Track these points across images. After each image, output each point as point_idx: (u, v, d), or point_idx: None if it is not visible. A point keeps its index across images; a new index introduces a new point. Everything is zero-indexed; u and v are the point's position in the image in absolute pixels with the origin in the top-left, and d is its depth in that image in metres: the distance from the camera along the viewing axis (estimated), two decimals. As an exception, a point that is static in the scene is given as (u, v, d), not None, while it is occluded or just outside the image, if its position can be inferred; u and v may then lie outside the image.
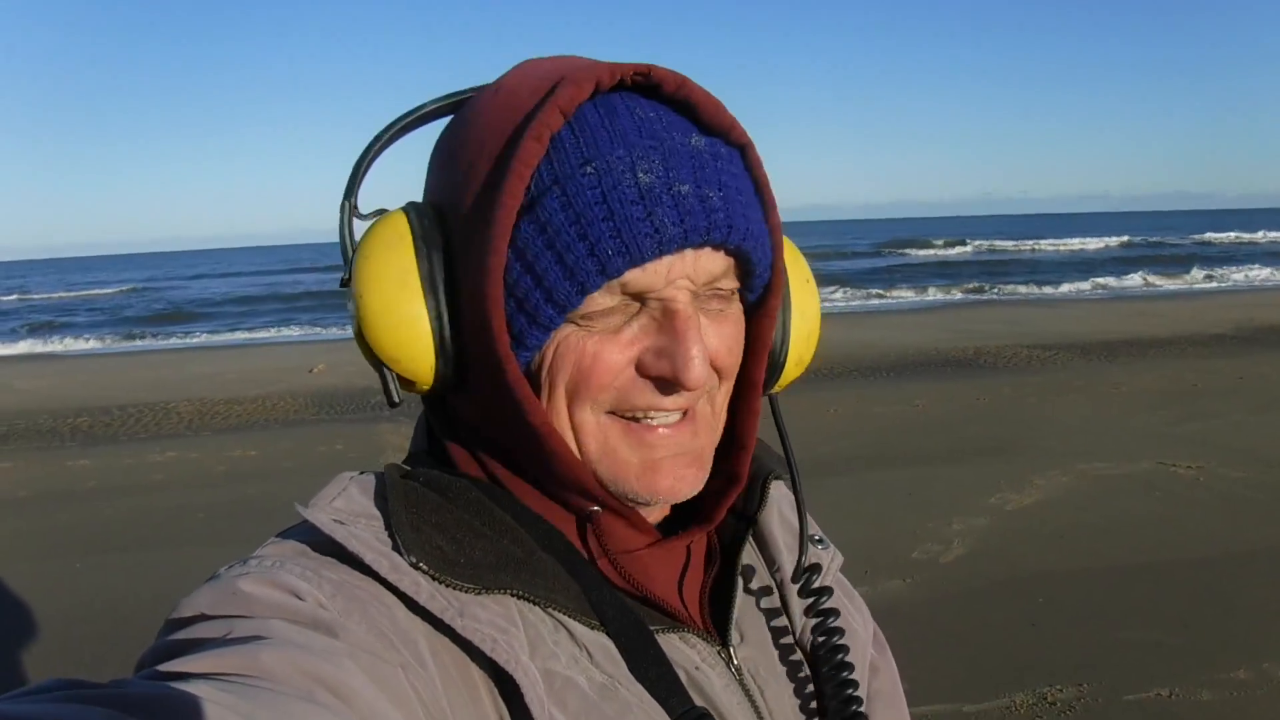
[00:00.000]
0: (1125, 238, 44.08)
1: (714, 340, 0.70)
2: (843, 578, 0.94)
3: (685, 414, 0.71)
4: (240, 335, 19.97)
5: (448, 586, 0.63)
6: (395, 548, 0.64)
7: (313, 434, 8.52)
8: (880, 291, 23.62)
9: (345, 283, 0.72)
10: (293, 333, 19.81)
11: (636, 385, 0.68)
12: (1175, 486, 6.15)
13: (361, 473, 0.73)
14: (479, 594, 0.64)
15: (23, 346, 19.63)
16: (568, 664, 0.65)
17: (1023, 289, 23.43)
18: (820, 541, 0.90)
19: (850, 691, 0.78)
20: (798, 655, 0.81)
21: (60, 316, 26.50)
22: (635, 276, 0.64)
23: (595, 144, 0.65)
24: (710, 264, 0.67)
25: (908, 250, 41.54)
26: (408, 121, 0.76)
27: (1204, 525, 5.43)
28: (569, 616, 0.67)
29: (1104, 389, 9.34)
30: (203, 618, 0.59)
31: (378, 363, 0.71)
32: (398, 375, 0.72)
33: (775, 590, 0.84)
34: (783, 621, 0.82)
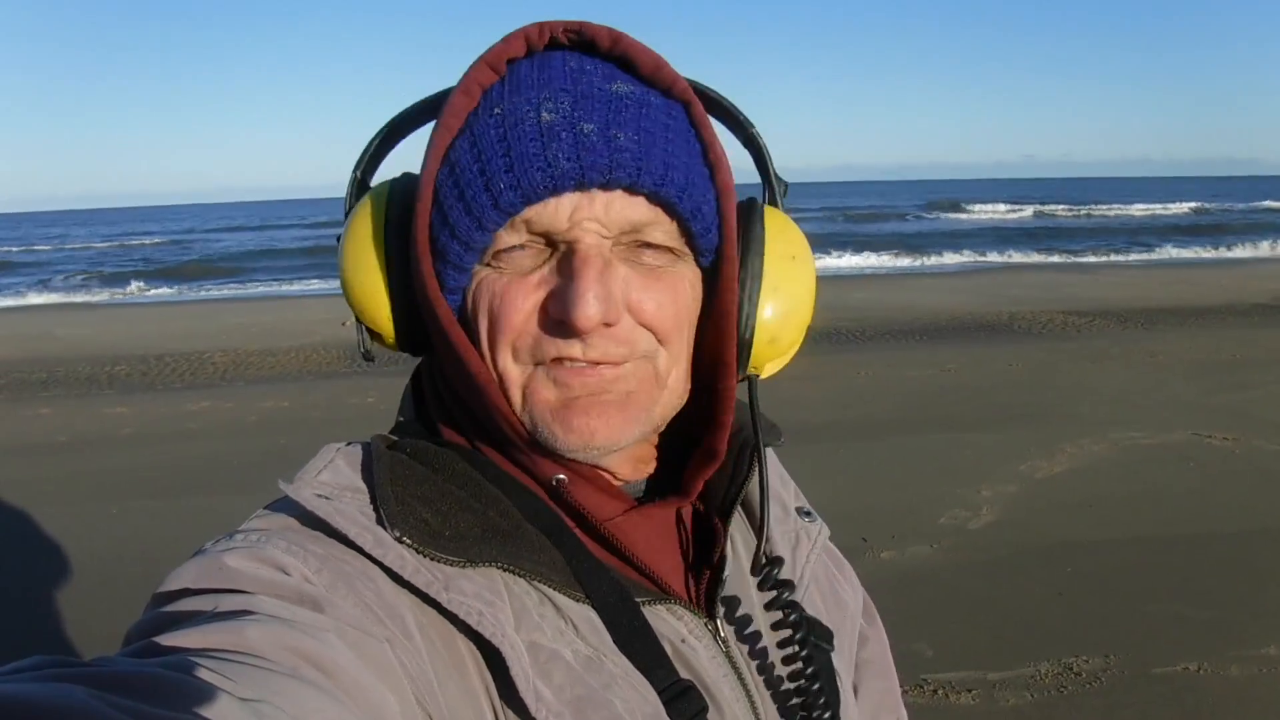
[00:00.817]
0: (1195, 204, 42.68)
1: (638, 294, 0.68)
2: (833, 547, 0.95)
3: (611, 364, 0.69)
4: (274, 287, 20.14)
5: (433, 560, 0.63)
6: (380, 521, 0.64)
7: (344, 386, 8.60)
8: (914, 254, 23.33)
9: (338, 241, 0.76)
10: (326, 285, 19.92)
11: (545, 333, 0.67)
12: (1210, 458, 6.06)
13: (348, 443, 0.73)
14: (464, 567, 0.64)
15: (62, 295, 19.94)
16: (553, 636, 0.65)
17: (1059, 256, 23.04)
18: (807, 514, 0.90)
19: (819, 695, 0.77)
20: (785, 628, 0.80)
21: (99, 266, 26.84)
22: (536, 214, 0.64)
23: (514, 91, 0.65)
24: (627, 210, 0.65)
25: (944, 214, 40.88)
26: (427, 104, 0.78)
27: (1238, 498, 5.35)
28: (554, 589, 0.67)
29: (1140, 357, 9.19)
30: (189, 592, 0.59)
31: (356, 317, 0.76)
32: (371, 331, 0.76)
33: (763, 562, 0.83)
34: (770, 594, 0.81)
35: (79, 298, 19.28)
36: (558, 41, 0.69)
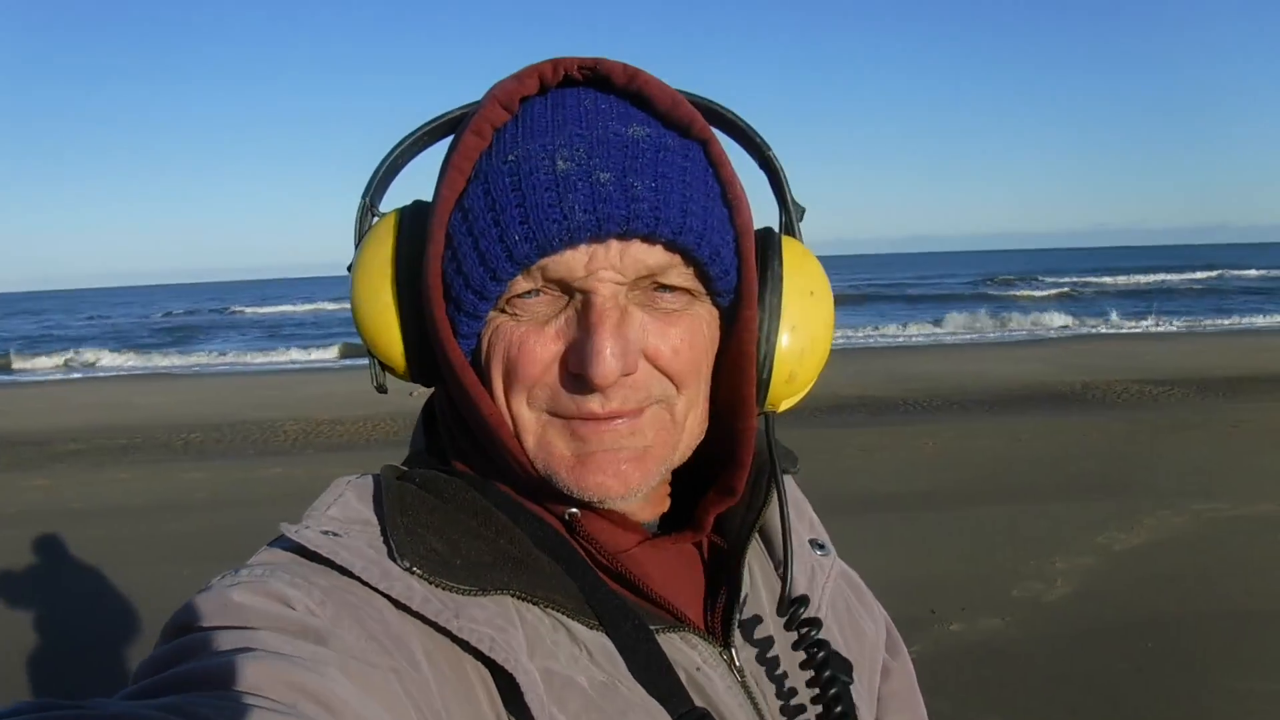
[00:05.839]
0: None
1: (655, 340, 0.68)
2: (853, 574, 0.92)
3: (628, 415, 0.69)
4: (346, 358, 20.59)
5: (444, 589, 0.62)
6: (390, 554, 0.63)
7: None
8: (984, 322, 23.00)
9: (349, 270, 0.75)
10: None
11: (564, 386, 0.67)
12: (1300, 531, 5.78)
13: (359, 476, 0.73)
14: (476, 595, 0.63)
15: (143, 362, 20.66)
16: (567, 663, 0.64)
17: (1133, 322, 22.50)
18: (820, 547, 0.88)
19: None
20: (802, 657, 0.78)
21: (181, 335, 27.83)
22: (551, 264, 0.64)
23: (528, 135, 0.65)
24: (643, 257, 0.65)
25: (1016, 282, 40.30)
26: (433, 127, 0.77)
27: (1332, 573, 5.07)
28: (568, 616, 0.66)
29: (1223, 427, 8.86)
30: (195, 629, 0.59)
31: (367, 349, 0.76)
32: (383, 363, 0.76)
33: (781, 590, 0.80)
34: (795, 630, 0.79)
35: (159, 365, 19.94)
36: (572, 78, 0.68)
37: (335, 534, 0.65)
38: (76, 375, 19.06)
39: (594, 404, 0.67)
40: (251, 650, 0.54)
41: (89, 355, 22.00)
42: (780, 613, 0.77)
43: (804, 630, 0.75)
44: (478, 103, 0.72)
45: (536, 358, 0.66)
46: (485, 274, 0.64)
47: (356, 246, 0.76)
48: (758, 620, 0.78)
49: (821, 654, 0.74)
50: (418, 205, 0.74)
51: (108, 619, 4.94)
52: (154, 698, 0.51)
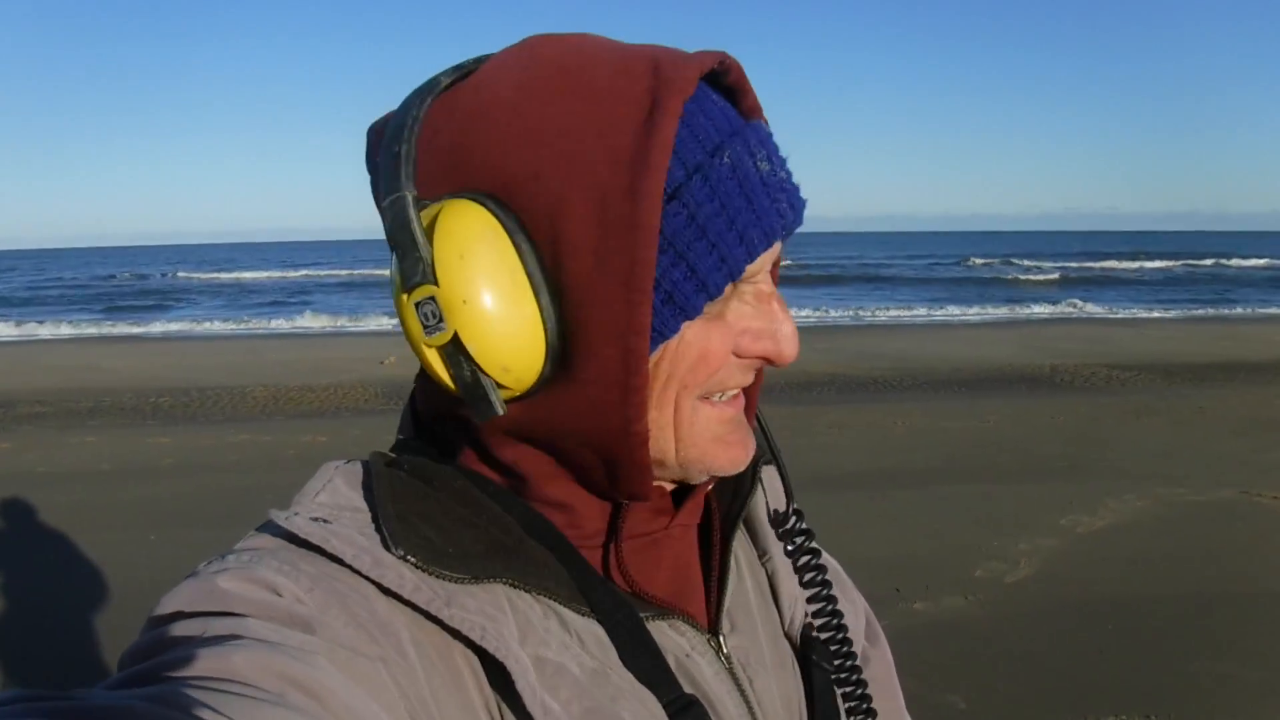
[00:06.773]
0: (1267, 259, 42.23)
1: None
2: (835, 564, 0.93)
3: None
4: (314, 324, 20.44)
5: (435, 577, 0.62)
6: (383, 541, 0.63)
7: (381, 424, 8.66)
8: (955, 305, 23.18)
9: (414, 287, 0.61)
10: (366, 325, 20.19)
11: (731, 368, 0.68)
12: (1258, 516, 5.91)
13: (347, 461, 0.72)
14: (468, 583, 0.63)
15: (109, 327, 20.38)
16: (558, 650, 0.64)
17: (1104, 308, 22.76)
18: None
19: (852, 662, 0.80)
20: (786, 646, 0.80)
21: (146, 299, 27.46)
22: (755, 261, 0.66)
23: (711, 132, 0.63)
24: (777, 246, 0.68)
25: (989, 264, 40.65)
26: (439, 92, 0.68)
27: (1288, 558, 5.19)
28: (558, 603, 0.66)
29: (1187, 413, 9.02)
30: (181, 616, 0.58)
31: (474, 373, 0.62)
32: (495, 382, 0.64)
33: (766, 580, 0.83)
34: (773, 612, 0.81)
35: (126, 329, 19.70)
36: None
37: (325, 521, 0.64)
38: (41, 336, 18.80)
39: (749, 379, 0.70)
40: (239, 639, 0.54)
41: (51, 317, 21.68)
42: (775, 525, 0.81)
43: (802, 540, 0.80)
44: (469, 69, 0.68)
45: (724, 352, 0.67)
46: (722, 276, 0.63)
47: (429, 254, 0.61)
48: (745, 609, 0.79)
49: (814, 561, 0.80)
50: (482, 196, 0.62)
51: (73, 585, 4.89)
52: (140, 686, 0.50)
